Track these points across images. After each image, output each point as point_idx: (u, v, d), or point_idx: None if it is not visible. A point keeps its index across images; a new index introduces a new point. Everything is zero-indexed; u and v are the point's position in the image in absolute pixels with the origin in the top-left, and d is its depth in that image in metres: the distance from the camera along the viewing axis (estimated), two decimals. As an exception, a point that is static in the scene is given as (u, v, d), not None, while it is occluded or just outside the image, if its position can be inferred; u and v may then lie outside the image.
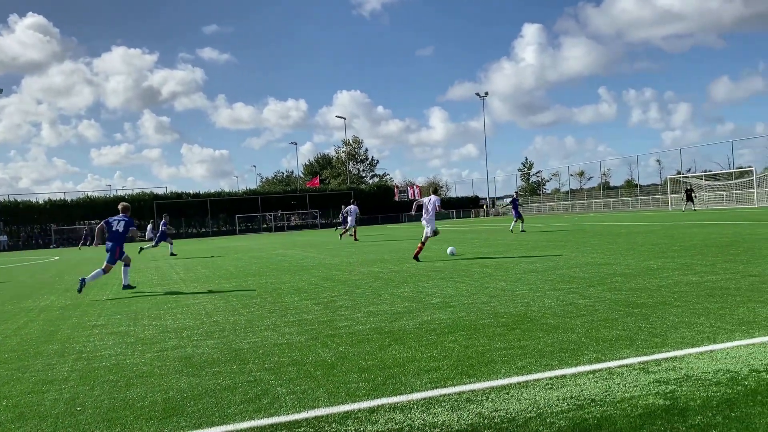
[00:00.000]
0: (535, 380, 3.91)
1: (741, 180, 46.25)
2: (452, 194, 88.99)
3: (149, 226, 39.83)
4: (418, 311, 6.80)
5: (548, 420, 3.21)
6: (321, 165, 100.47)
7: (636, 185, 62.35)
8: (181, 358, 5.22)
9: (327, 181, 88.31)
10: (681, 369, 3.96)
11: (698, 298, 6.47)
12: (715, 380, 3.69)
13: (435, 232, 13.82)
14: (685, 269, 8.85)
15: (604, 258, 11.23)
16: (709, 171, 55.04)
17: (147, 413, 3.78)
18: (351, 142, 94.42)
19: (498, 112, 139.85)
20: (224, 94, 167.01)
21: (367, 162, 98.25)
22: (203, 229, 64.07)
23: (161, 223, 23.42)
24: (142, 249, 24.14)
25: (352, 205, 25.68)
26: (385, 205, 72.63)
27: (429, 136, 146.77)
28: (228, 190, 72.51)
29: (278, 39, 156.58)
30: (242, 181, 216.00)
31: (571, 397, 3.54)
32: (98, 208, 61.89)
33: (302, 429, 3.34)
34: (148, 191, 65.99)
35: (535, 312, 6.26)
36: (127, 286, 11.03)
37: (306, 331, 6.10)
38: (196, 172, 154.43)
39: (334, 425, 3.36)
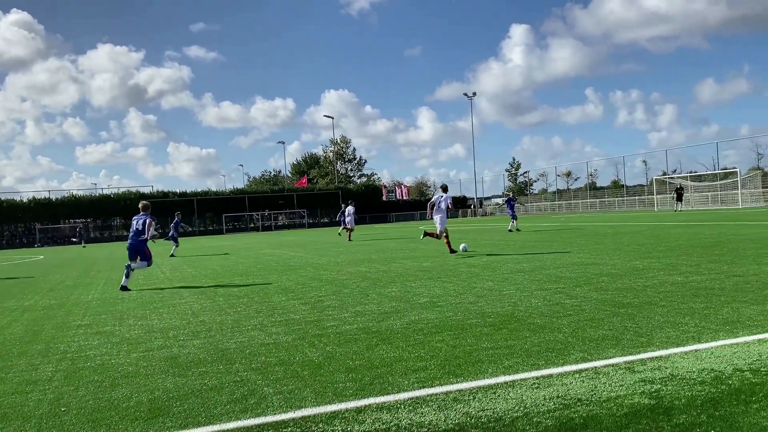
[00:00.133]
0: (521, 380, 3.92)
1: (726, 181, 46.68)
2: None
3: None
4: (406, 311, 6.80)
5: (535, 419, 3.23)
6: (309, 164, 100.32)
7: (622, 186, 62.75)
8: (167, 358, 5.18)
9: (315, 181, 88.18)
10: (666, 368, 3.99)
11: (683, 298, 6.53)
12: (699, 379, 3.72)
13: (442, 233, 13.95)
14: (671, 269, 8.93)
15: (591, 258, 11.30)
16: (695, 172, 55.53)
17: (132, 414, 3.75)
18: (339, 141, 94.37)
19: (486, 112, 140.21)
20: (211, 93, 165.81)
21: (355, 161, 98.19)
22: (190, 229, 63.72)
23: (174, 222, 23.43)
24: (172, 255, 22.63)
25: (351, 206, 26.68)
26: (373, 204, 72.66)
27: (417, 135, 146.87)
28: (215, 190, 72.36)
29: (266, 37, 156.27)
30: (229, 180, 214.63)
31: (558, 397, 3.55)
32: (83, 206, 61.42)
33: (289, 429, 3.33)
34: (134, 190, 65.68)
35: (521, 312, 6.28)
36: (124, 288, 10.68)
37: (293, 330, 6.08)
38: (182, 171, 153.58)
39: (321, 425, 3.35)
